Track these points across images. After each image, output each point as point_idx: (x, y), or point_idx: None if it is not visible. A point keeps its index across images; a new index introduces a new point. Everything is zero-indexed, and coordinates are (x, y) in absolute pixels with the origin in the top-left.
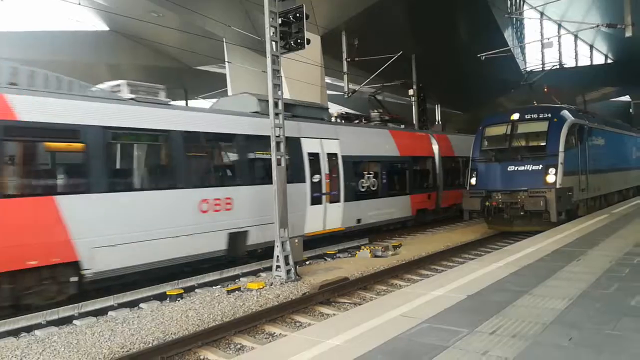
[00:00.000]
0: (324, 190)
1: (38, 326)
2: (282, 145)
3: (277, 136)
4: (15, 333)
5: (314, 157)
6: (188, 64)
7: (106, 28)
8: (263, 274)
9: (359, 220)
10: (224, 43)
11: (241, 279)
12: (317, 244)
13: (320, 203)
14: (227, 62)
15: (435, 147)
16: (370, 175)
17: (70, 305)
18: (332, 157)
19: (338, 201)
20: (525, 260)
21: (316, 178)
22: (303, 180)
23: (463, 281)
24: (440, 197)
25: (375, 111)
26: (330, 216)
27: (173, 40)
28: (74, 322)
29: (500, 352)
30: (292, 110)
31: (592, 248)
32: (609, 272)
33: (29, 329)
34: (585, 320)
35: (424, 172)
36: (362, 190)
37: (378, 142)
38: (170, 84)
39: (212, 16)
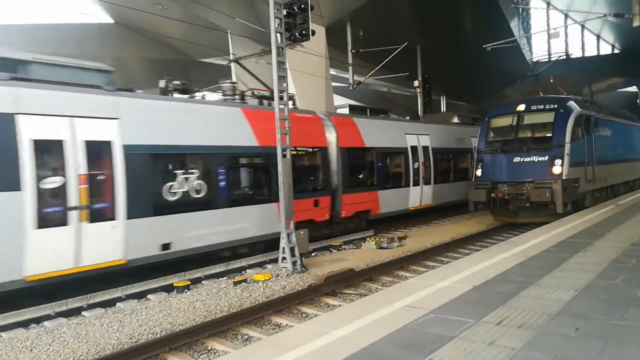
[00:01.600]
0: (73, 203)
1: (47, 317)
2: (287, 138)
3: (282, 128)
4: (25, 324)
5: (52, 148)
6: (192, 56)
7: (111, 21)
8: (269, 266)
9: (166, 246)
10: (229, 35)
11: (247, 270)
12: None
13: (62, 224)
14: (232, 54)
15: (332, 135)
16: (192, 176)
17: (79, 297)
18: (100, 147)
19: (112, 218)
20: (531, 252)
21: (52, 182)
22: (14, 187)
23: (469, 272)
24: (340, 203)
25: (228, 81)
26: (93, 244)
27: (177, 33)
28: (83, 313)
29: (506, 342)
30: (19, 69)
31: (599, 239)
32: (616, 263)
33: (38, 320)
34: (591, 311)
35: (310, 168)
36: (174, 199)
37: (213, 126)
38: (174, 76)
39: (216, 8)
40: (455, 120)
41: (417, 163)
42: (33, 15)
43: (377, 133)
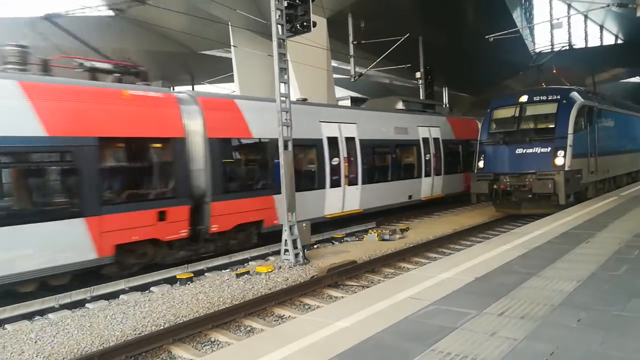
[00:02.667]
0: None
1: (51, 310)
2: (288, 130)
3: (284, 120)
4: (29, 317)
5: None
6: (194, 49)
7: (111, 13)
8: (272, 258)
9: None
10: (230, 27)
11: (250, 262)
12: (324, 228)
13: None
14: (233, 46)
15: (195, 122)
16: None
17: (83, 289)
18: None
19: None
20: (533, 243)
21: None
22: None
23: (471, 264)
24: (208, 214)
25: (12, 43)
26: None
27: (178, 25)
28: (87, 305)
29: (508, 333)
30: None
31: (601, 230)
32: (618, 254)
33: (42, 313)
34: (593, 302)
35: (150, 168)
36: None
37: None
38: (176, 69)
39: (217, 0)
40: (400, 106)
41: (336, 159)
42: (32, 8)
43: (274, 120)
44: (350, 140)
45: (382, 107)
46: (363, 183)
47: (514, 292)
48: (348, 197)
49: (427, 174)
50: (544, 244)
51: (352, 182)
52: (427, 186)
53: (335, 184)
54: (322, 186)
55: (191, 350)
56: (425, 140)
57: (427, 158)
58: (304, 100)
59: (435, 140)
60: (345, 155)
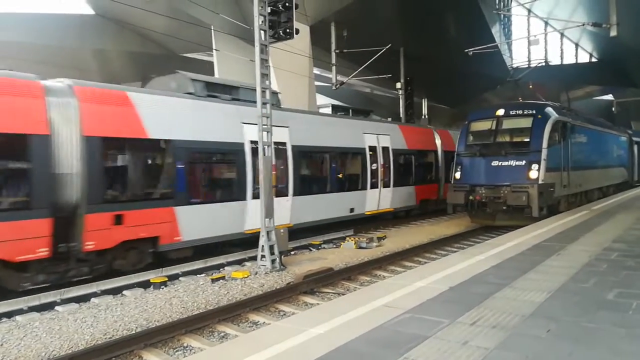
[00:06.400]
0: None
1: (19, 312)
2: (268, 135)
3: (264, 125)
4: None
5: None
6: (175, 51)
7: (92, 12)
8: (248, 264)
9: None
10: (212, 31)
11: (226, 267)
12: (302, 234)
13: None
14: (215, 49)
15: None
16: None
17: (52, 292)
18: None
19: None
20: (506, 254)
21: None
22: None
23: (445, 273)
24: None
25: None
26: None
27: (160, 27)
28: (56, 308)
29: (480, 342)
30: None
31: (572, 243)
32: (588, 267)
33: (10, 315)
34: (563, 313)
35: None
36: None
37: None
38: (156, 71)
39: (200, 3)
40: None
41: None
42: (10, 4)
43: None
44: None
45: None
46: None
47: (487, 302)
48: None
49: None
50: (517, 255)
51: None
52: None
53: None
54: None
55: (163, 356)
56: None
57: None
58: None
59: None
60: None
